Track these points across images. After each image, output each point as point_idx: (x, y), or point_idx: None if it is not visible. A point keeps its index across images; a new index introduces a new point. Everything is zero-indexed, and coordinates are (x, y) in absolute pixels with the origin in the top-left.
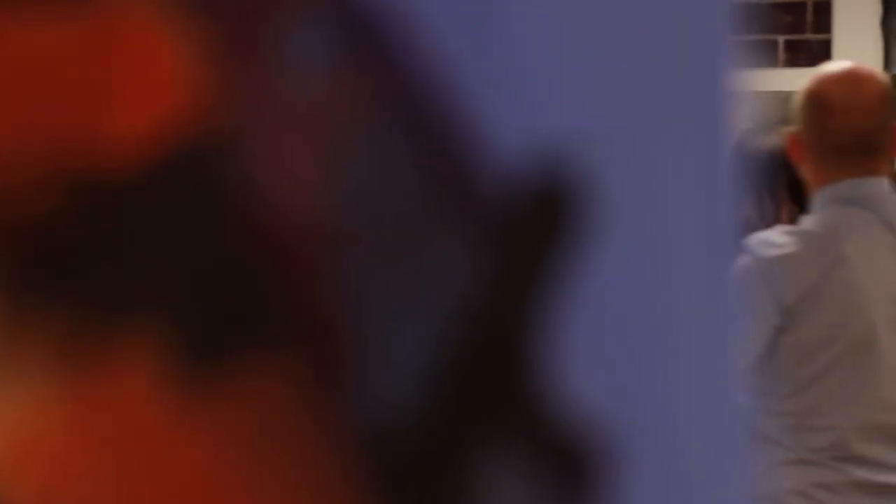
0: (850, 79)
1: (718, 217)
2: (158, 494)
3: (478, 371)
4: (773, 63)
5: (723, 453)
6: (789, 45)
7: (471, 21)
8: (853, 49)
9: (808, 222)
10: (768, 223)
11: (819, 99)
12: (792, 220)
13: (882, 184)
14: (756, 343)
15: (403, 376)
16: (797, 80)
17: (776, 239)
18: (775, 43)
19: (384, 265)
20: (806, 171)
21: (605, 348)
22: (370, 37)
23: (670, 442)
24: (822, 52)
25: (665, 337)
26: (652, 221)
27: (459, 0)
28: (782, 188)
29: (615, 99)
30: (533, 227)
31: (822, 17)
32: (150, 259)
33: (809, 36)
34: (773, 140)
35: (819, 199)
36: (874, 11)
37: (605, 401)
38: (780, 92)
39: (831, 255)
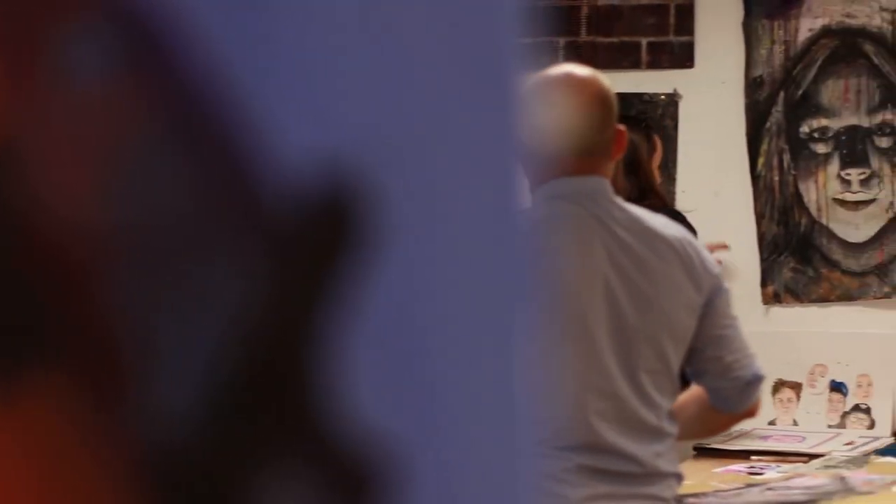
0: (565, 82)
1: (508, 229)
2: None
3: (258, 385)
4: (636, 65)
5: (503, 468)
6: (652, 47)
7: (254, 32)
8: (716, 51)
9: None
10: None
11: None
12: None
13: (597, 182)
14: None
15: (183, 390)
16: (660, 83)
17: None
18: (638, 45)
19: (162, 277)
20: (526, 171)
21: (388, 365)
22: (149, 46)
23: (451, 457)
24: (685, 55)
25: (449, 353)
26: (440, 234)
27: (242, 13)
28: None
29: (403, 108)
30: (316, 239)
31: (685, 20)
32: None
33: (672, 38)
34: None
35: (535, 195)
36: (736, 13)
37: (388, 417)
38: (644, 94)
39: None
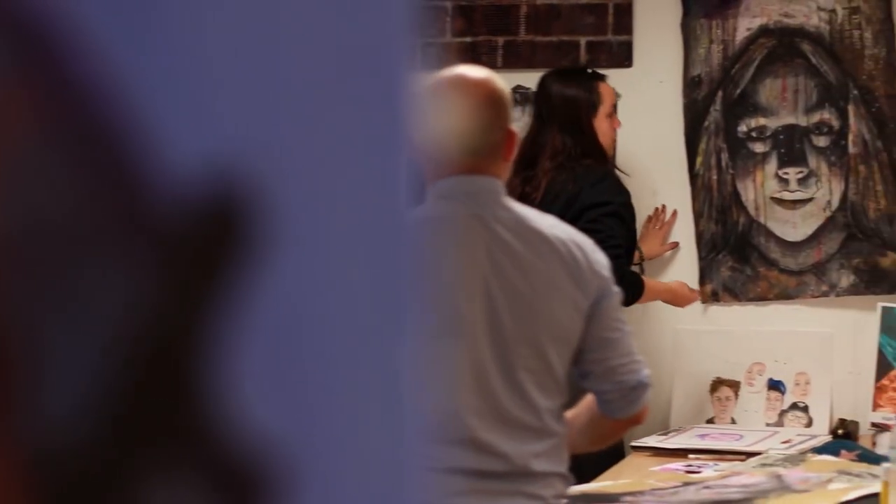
0: (456, 83)
1: (396, 230)
2: None
3: (146, 390)
4: (575, 64)
5: (390, 472)
6: (591, 47)
7: (143, 37)
8: (654, 50)
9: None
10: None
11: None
12: None
13: (485, 182)
14: None
15: (70, 394)
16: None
17: None
18: (577, 44)
19: (49, 282)
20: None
21: (276, 369)
22: (37, 50)
23: (339, 462)
24: (624, 54)
25: (337, 357)
26: (327, 237)
27: (131, 17)
28: None
29: (293, 112)
30: (204, 243)
31: (624, 19)
32: None
33: (611, 37)
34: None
35: (427, 195)
36: (675, 13)
37: (276, 421)
38: None
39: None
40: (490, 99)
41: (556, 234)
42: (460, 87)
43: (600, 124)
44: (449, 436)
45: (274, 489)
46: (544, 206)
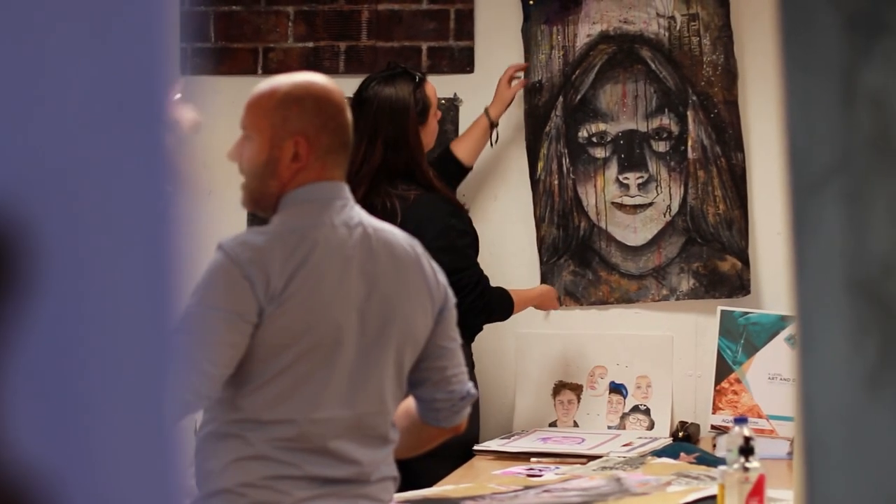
0: (312, 88)
1: (164, 267)
2: None
3: None
4: (416, 69)
5: (157, 494)
6: (432, 52)
7: None
8: (495, 56)
9: (276, 223)
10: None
11: None
12: None
13: (341, 188)
14: (233, 344)
15: None
16: (441, 88)
17: (251, 239)
18: (419, 50)
19: None
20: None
21: (44, 400)
22: None
23: (105, 489)
24: (465, 60)
25: (104, 387)
26: (93, 270)
27: None
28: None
29: (55, 148)
30: None
31: (465, 25)
32: None
33: (452, 43)
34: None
35: (285, 201)
36: (516, 19)
37: (43, 450)
38: None
39: (298, 255)
40: (344, 104)
41: (407, 241)
42: (318, 93)
43: (429, 137)
44: (310, 445)
45: None
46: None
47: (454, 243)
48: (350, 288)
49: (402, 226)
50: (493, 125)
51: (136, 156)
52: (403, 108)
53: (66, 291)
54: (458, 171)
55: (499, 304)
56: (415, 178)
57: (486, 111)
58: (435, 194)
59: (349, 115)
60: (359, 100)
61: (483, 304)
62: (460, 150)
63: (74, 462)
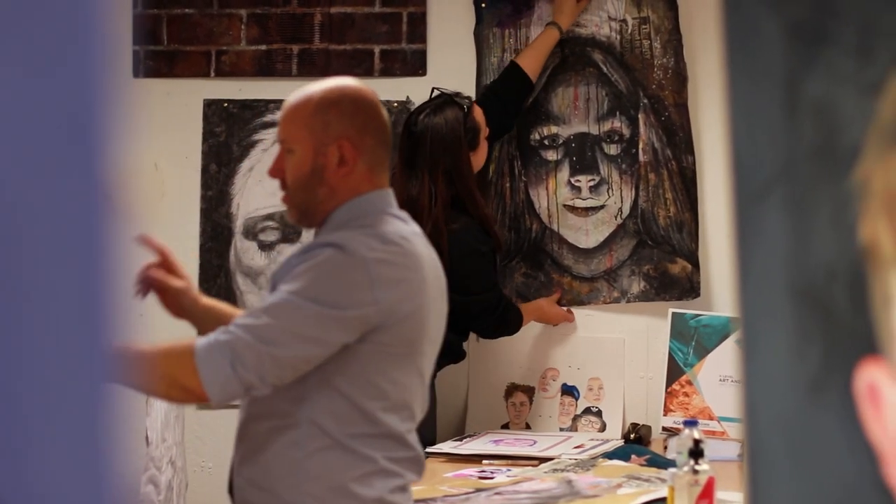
0: (365, 96)
1: (97, 277)
2: None
3: None
4: (369, 72)
5: None
6: (385, 55)
7: None
8: (448, 59)
9: (397, 229)
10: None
11: None
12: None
13: (392, 195)
14: (333, 344)
15: None
16: (393, 91)
17: (375, 244)
18: (371, 52)
19: None
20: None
21: None
22: None
23: (34, 487)
24: (418, 62)
25: (42, 415)
26: (29, 291)
27: None
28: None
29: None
30: None
31: (418, 28)
32: None
33: (405, 46)
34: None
35: (348, 209)
36: (468, 22)
37: None
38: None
39: (414, 263)
40: (379, 103)
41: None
42: (354, 94)
43: (476, 163)
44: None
45: None
46: None
47: (483, 268)
48: (439, 299)
49: (442, 254)
50: (562, 36)
51: (72, 167)
52: (456, 139)
53: (3, 316)
54: (524, 86)
55: (513, 322)
56: (466, 207)
57: (556, 23)
58: (472, 221)
59: (386, 113)
60: (408, 133)
61: (502, 322)
62: (527, 62)
63: (12, 486)
